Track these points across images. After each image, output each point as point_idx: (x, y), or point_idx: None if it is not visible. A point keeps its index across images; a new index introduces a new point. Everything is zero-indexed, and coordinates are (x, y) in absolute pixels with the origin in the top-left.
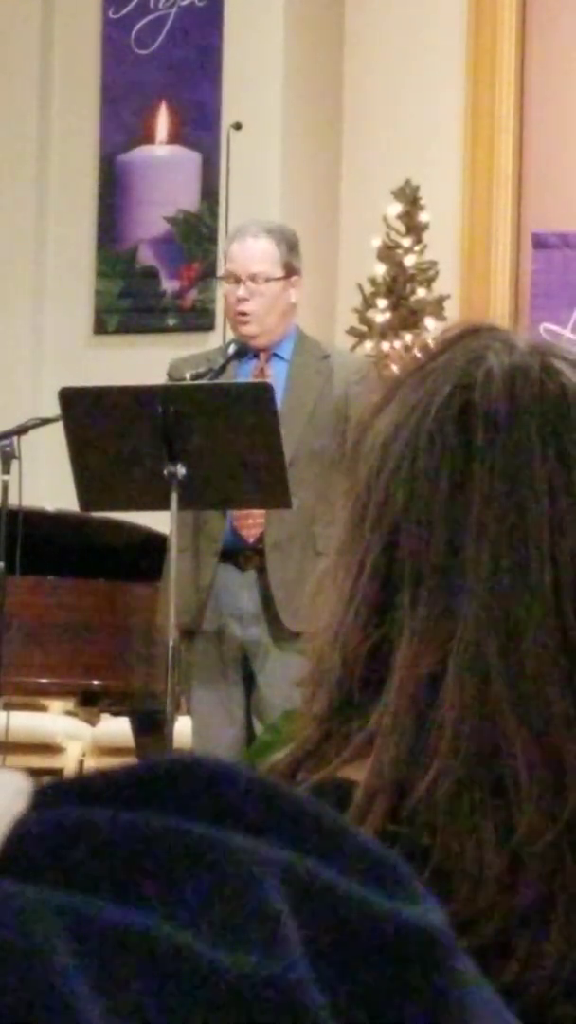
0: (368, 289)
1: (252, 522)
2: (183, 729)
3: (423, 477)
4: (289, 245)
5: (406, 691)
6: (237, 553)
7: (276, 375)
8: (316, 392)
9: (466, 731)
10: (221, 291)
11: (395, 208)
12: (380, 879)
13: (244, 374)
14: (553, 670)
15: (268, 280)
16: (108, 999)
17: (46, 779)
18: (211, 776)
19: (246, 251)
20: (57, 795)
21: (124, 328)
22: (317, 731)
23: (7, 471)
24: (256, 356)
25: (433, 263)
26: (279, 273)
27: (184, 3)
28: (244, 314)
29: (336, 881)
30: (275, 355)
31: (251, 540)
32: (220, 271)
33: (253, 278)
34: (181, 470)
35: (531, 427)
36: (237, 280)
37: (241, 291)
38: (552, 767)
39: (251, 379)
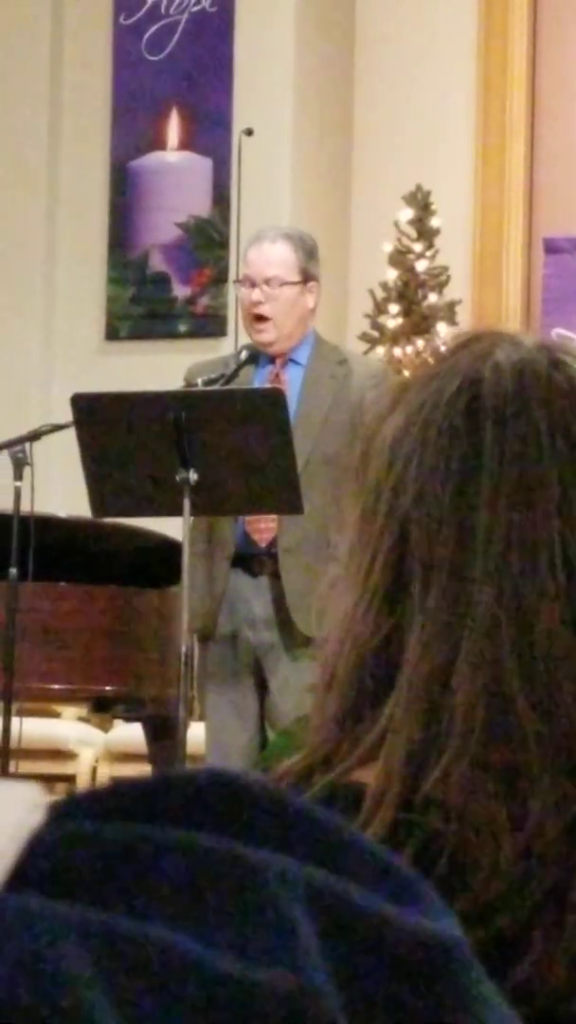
0: (379, 294)
1: (264, 526)
2: (196, 735)
3: (433, 470)
4: (307, 251)
5: (418, 681)
6: (250, 558)
7: (292, 380)
8: (331, 397)
9: (478, 719)
10: (237, 296)
11: (406, 213)
12: (394, 891)
13: (260, 379)
14: (565, 657)
15: (284, 284)
16: (126, 1012)
17: (59, 785)
18: (226, 789)
19: (263, 255)
20: (73, 809)
21: (136, 334)
22: (330, 734)
23: (19, 477)
24: (272, 361)
25: (444, 268)
26: (296, 278)
27: (195, 9)
28: (260, 319)
29: (352, 893)
30: (291, 360)
31: (263, 544)
32: (232, 276)
33: (268, 282)
34: (193, 476)
35: (539, 418)
36: (253, 284)
37: (256, 294)
38: (565, 754)
39: (266, 384)
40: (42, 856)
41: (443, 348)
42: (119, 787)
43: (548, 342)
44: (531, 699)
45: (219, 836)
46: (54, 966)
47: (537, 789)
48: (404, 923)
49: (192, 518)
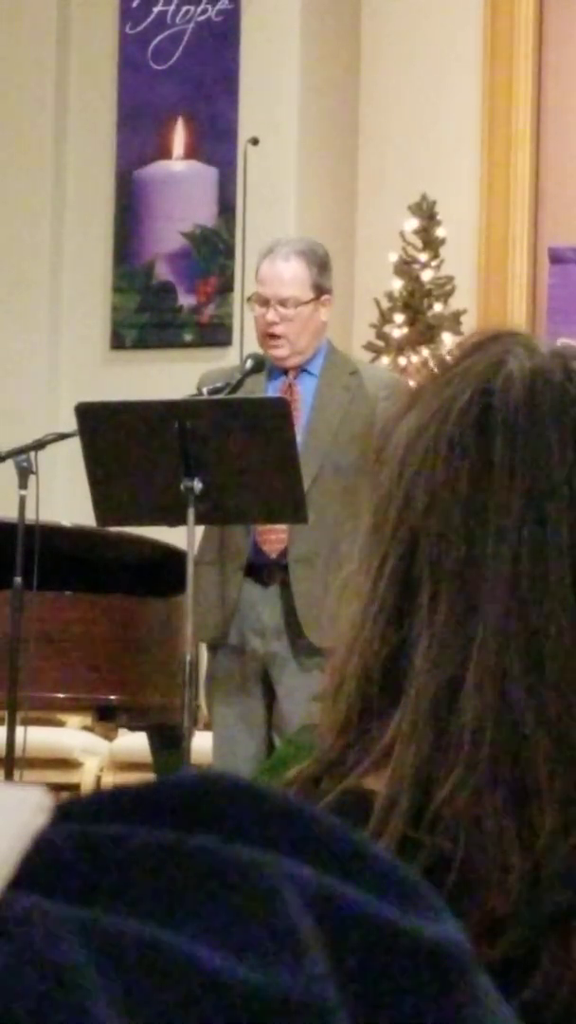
0: (385, 304)
1: (275, 537)
2: (200, 744)
3: (443, 482)
4: (320, 265)
5: (425, 696)
6: (261, 568)
7: (304, 391)
8: (343, 408)
9: (487, 735)
10: (252, 311)
11: (412, 223)
12: (400, 896)
13: (273, 390)
14: (574, 673)
15: (298, 305)
16: (130, 1015)
17: (64, 794)
18: (231, 793)
19: (277, 276)
20: (77, 811)
21: (141, 343)
22: (338, 741)
23: (24, 486)
24: (285, 372)
25: (450, 278)
26: (309, 296)
27: (201, 19)
28: (274, 337)
29: (357, 898)
30: (304, 371)
31: (274, 555)
32: (238, 286)
33: (283, 303)
34: (197, 485)
35: (551, 431)
36: (266, 303)
37: (271, 315)
38: (574, 770)
39: (278, 395)
40: (46, 857)
41: (459, 348)
42: (124, 790)
43: (563, 350)
44: (540, 716)
45: (222, 838)
46: (56, 967)
47: (547, 807)
48: (406, 926)
49: (204, 527)
